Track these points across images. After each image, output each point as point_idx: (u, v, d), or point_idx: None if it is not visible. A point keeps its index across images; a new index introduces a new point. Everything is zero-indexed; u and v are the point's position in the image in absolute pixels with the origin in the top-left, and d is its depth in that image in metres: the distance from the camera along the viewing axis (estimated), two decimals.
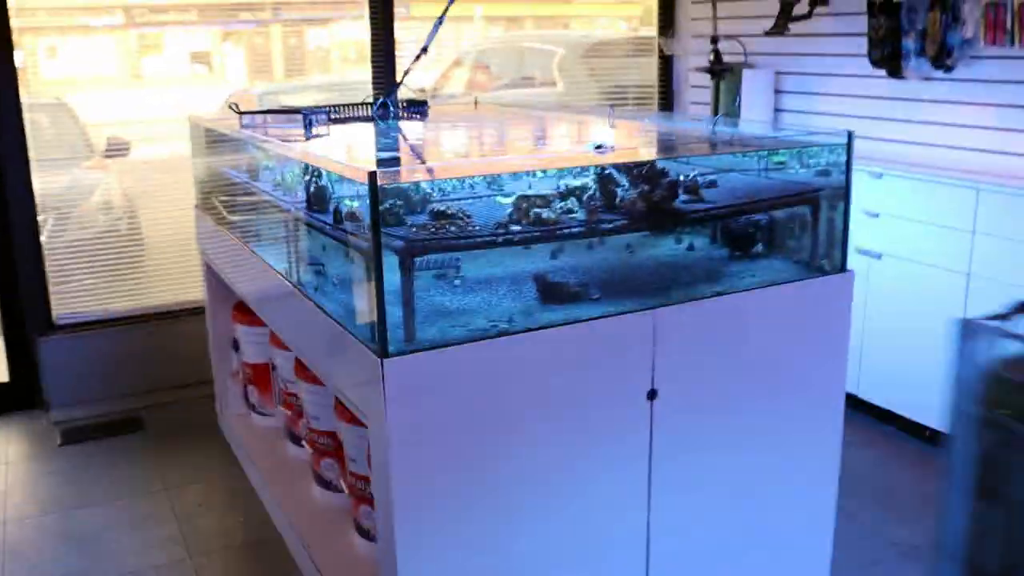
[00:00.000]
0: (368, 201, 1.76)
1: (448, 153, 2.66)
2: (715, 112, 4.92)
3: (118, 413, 4.10)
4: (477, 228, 2.00)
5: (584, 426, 2.12)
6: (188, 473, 3.53)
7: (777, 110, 4.79)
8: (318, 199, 2.25)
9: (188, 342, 4.22)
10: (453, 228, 1.96)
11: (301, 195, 2.39)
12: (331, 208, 2.18)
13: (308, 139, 2.99)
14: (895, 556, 2.89)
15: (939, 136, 3.89)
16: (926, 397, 3.59)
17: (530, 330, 1.99)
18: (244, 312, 3.52)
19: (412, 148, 2.91)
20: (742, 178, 2.56)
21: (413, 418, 1.89)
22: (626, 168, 2.15)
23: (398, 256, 1.87)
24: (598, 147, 2.28)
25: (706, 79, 4.97)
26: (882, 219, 3.71)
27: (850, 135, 2.37)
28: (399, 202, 2.06)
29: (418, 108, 3.63)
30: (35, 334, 4.10)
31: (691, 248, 2.47)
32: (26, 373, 4.17)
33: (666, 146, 2.53)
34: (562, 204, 2.11)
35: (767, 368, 2.37)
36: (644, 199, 2.12)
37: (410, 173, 2.00)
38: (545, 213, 2.02)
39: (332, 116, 3.32)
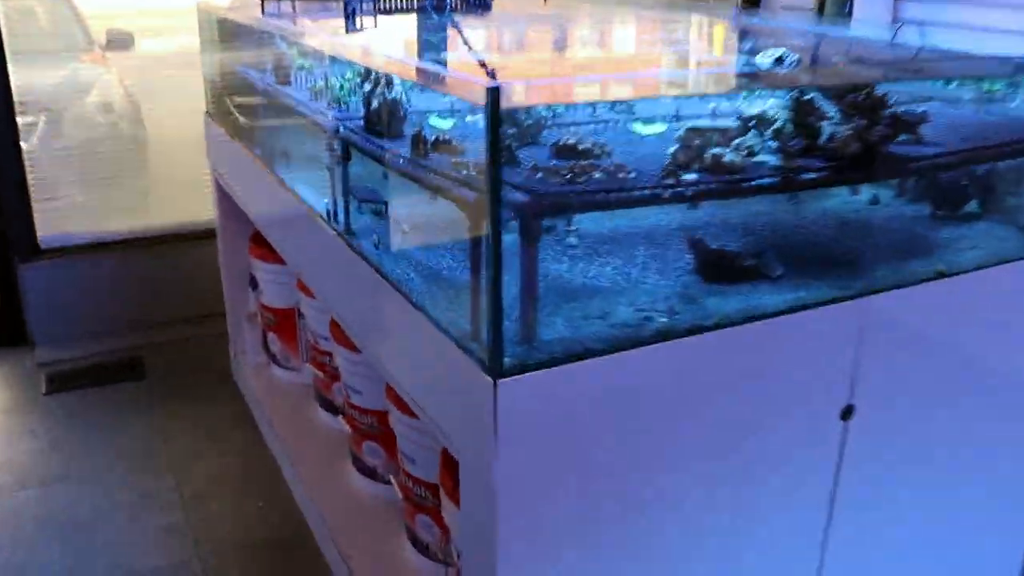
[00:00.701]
0: (485, 129, 1.10)
1: (550, 61, 1.97)
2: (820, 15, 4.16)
3: (114, 354, 3.50)
4: (632, 175, 1.34)
5: (755, 459, 1.50)
6: (197, 437, 2.95)
7: (895, 19, 4.03)
8: (385, 119, 1.58)
9: (198, 269, 3.60)
10: (597, 174, 1.30)
11: (356, 109, 1.73)
12: (406, 133, 1.53)
13: (350, 32, 2.31)
14: None
15: None
16: None
17: (704, 329, 1.35)
18: (264, 245, 2.87)
19: (492, 53, 2.22)
20: (952, 112, 1.88)
21: (532, 457, 1.27)
22: (836, 93, 1.48)
23: (518, 215, 1.22)
24: (778, 60, 1.60)
25: None
26: None
27: None
28: (511, 130, 1.39)
29: (480, 1, 2.92)
30: (16, 259, 3.49)
31: (875, 202, 1.81)
32: (7, 305, 3.57)
33: (859, 62, 1.84)
34: (741, 141, 1.44)
35: (983, 375, 1.75)
36: (859, 138, 1.45)
37: (543, 92, 1.34)
38: (728, 155, 1.36)
39: (378, 5, 2.63)
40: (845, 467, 1.62)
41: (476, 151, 1.37)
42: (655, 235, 1.66)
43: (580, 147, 1.39)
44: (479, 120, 1.44)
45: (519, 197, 1.22)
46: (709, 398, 1.41)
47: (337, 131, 1.74)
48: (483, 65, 1.89)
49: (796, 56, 1.63)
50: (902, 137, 1.58)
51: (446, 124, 1.42)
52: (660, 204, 1.32)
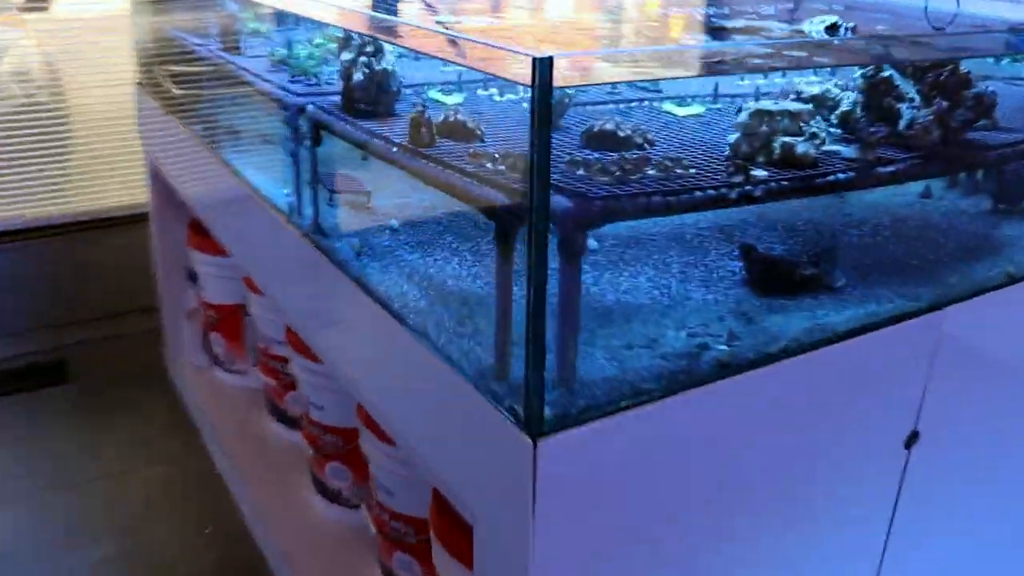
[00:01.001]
0: (531, 114, 0.83)
1: (553, 28, 1.69)
2: None
3: (34, 355, 3.13)
4: (691, 171, 1.08)
5: (811, 503, 1.27)
6: (131, 451, 2.63)
7: None
8: (371, 95, 1.28)
9: (128, 259, 3.24)
10: (651, 170, 1.04)
11: (330, 83, 1.43)
12: (399, 112, 1.24)
13: None
14: None
15: None
16: None
17: (772, 358, 1.10)
18: (205, 234, 2.55)
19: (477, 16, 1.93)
20: (1015, 91, 1.66)
21: (574, 526, 1.01)
22: (914, 70, 1.24)
23: (560, 225, 0.95)
24: (831, 27, 1.36)
25: None
26: None
27: None
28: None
29: None
30: None
31: (927, 195, 1.59)
32: None
33: (917, 31, 1.60)
34: (806, 128, 1.19)
35: None
36: (940, 123, 1.22)
37: (583, 66, 1.05)
38: (800, 145, 1.10)
39: None
40: (903, 502, 1.41)
41: (499, 137, 1.10)
42: (685, 236, 1.41)
43: (620, 134, 1.12)
44: (493, 94, 1.17)
45: (561, 202, 0.95)
46: (771, 437, 1.17)
47: (303, 109, 1.44)
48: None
49: (851, 23, 1.39)
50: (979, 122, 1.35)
51: (451, 100, 1.14)
52: (732, 207, 1.06)
